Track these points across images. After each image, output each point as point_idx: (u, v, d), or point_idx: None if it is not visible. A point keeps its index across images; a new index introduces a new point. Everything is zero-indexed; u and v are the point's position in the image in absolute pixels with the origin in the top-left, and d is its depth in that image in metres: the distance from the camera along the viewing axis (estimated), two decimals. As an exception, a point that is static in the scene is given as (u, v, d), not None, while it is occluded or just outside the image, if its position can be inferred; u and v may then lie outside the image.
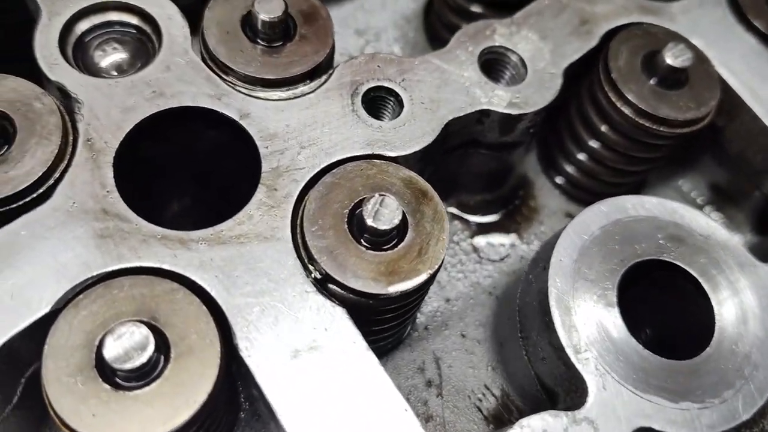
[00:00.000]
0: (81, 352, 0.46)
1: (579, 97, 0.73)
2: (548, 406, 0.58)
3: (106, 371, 0.45)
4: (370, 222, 0.52)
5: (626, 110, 0.67)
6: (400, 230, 0.53)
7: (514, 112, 0.63)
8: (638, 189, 0.80)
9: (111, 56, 0.61)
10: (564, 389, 0.56)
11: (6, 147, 0.53)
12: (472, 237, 0.74)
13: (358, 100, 0.60)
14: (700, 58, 0.69)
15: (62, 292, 0.49)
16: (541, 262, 0.59)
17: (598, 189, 0.77)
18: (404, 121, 0.60)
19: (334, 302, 0.52)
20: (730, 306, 0.57)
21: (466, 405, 0.64)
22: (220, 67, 0.60)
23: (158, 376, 0.46)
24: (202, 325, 0.48)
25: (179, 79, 0.58)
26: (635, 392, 0.52)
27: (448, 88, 0.62)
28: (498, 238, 0.75)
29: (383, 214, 0.52)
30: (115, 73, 0.61)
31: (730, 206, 0.79)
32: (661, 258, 0.59)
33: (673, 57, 0.66)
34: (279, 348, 0.49)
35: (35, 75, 0.58)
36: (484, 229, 0.75)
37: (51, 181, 0.53)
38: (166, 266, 0.50)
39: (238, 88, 0.59)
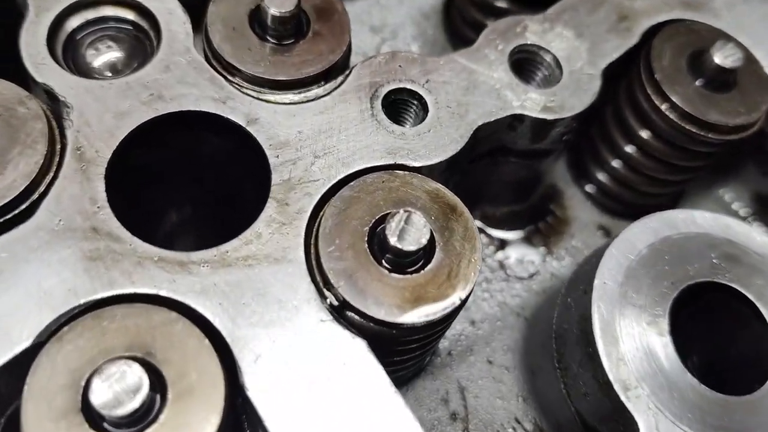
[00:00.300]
0: (65, 394, 0.40)
1: (616, 99, 0.67)
2: (589, 446, 0.52)
3: (93, 416, 0.40)
4: (393, 241, 0.46)
5: (671, 114, 0.61)
6: (427, 251, 0.48)
7: (549, 117, 0.57)
8: (676, 200, 0.74)
9: (105, 55, 0.56)
10: (609, 429, 0.50)
11: (-15, 157, 0.47)
12: (498, 252, 0.68)
13: (378, 103, 0.54)
14: (749, 59, 0.63)
15: (46, 322, 0.43)
16: (582, 284, 0.53)
17: (634, 200, 0.71)
18: (429, 126, 0.54)
19: (353, 332, 0.46)
20: (793, 333, 0.51)
21: (494, 440, 0.58)
22: (225, 68, 0.54)
23: (154, 421, 0.40)
24: (204, 361, 0.42)
25: (180, 81, 0.53)
26: (691, 433, 0.47)
27: (476, 91, 0.56)
28: (526, 254, 0.69)
29: (409, 232, 0.46)
30: (109, 74, 0.55)
31: (776, 218, 0.73)
32: (714, 280, 0.53)
33: (722, 57, 0.60)
34: (291, 387, 0.43)
35: (21, 76, 0.52)
36: (511, 243, 0.69)
37: (35, 196, 0.47)
38: (163, 293, 0.45)
39: (245, 90, 0.53)
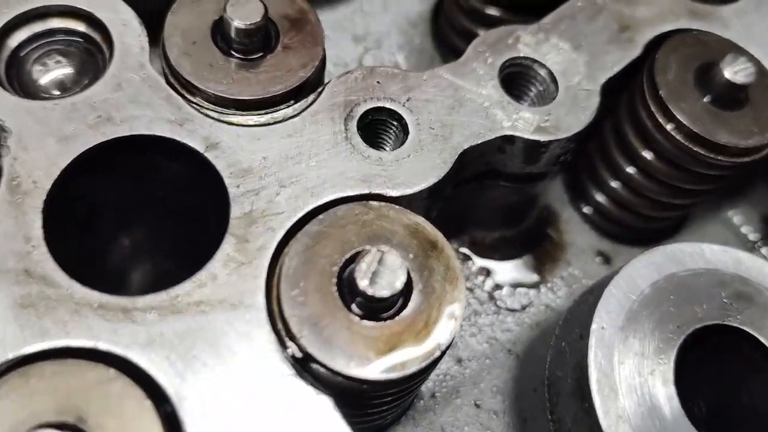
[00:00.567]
0: (-18, 469, 0.35)
1: (616, 114, 0.62)
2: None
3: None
4: (364, 286, 0.41)
5: (676, 134, 0.56)
6: (404, 294, 0.42)
7: (543, 138, 0.52)
8: (681, 223, 0.69)
9: (53, 72, 0.51)
10: (607, 490, 0.45)
11: None
12: (487, 282, 0.63)
13: (353, 125, 0.49)
14: (762, 73, 0.57)
15: (-35, 381, 0.38)
16: (577, 327, 0.48)
17: (635, 224, 0.66)
18: (409, 150, 0.49)
19: (318, 388, 0.41)
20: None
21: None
22: (183, 85, 0.49)
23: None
24: (145, 426, 0.37)
25: (132, 101, 0.47)
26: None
27: (463, 110, 0.51)
28: (518, 283, 0.64)
29: (382, 275, 0.41)
30: (58, 92, 0.50)
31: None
32: (725, 322, 0.47)
33: (733, 71, 0.55)
34: (246, 454, 0.38)
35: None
36: (501, 272, 0.64)
37: (-39, 233, 0.42)
38: (101, 345, 0.40)
39: (205, 111, 0.48)
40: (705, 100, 0.56)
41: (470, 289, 0.62)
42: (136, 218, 0.54)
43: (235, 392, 0.40)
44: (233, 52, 0.50)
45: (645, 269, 0.48)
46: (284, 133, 0.48)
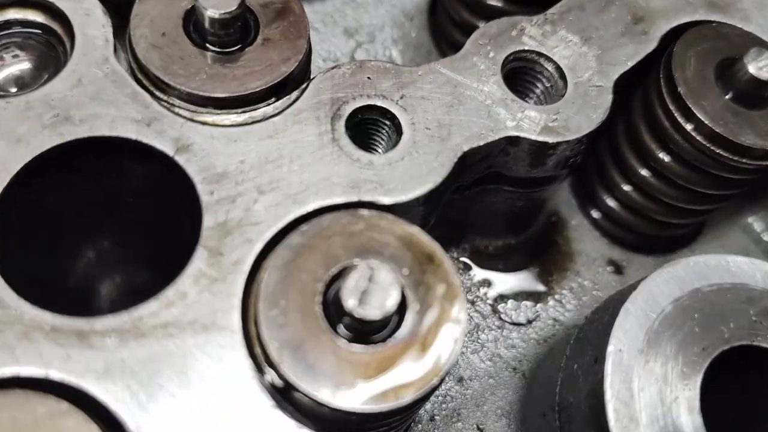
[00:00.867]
0: None
1: (629, 113, 0.57)
2: None
3: None
4: (352, 305, 0.36)
5: (696, 134, 0.51)
6: (397, 313, 0.38)
7: (550, 139, 0.47)
8: (699, 230, 0.64)
9: (10, 67, 0.47)
10: None
11: None
12: (490, 294, 0.58)
13: (341, 124, 0.45)
14: (788, 68, 0.53)
15: None
16: (590, 348, 0.43)
17: (650, 230, 0.62)
18: (403, 153, 0.45)
19: (300, 421, 0.36)
20: None
21: None
22: (152, 81, 0.45)
23: None
24: (100, 471, 0.32)
25: (94, 98, 0.43)
26: None
27: (462, 108, 0.47)
28: (523, 295, 0.59)
29: (373, 293, 0.37)
30: (14, 90, 0.45)
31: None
32: (754, 343, 0.43)
33: (757, 67, 0.50)
34: (216, 500, 0.33)
35: None
36: (505, 283, 0.60)
37: None
38: (53, 374, 0.36)
39: (176, 110, 0.44)
40: (727, 97, 0.52)
41: (471, 302, 0.58)
42: (103, 227, 0.50)
43: (207, 426, 0.35)
44: (208, 45, 0.46)
45: (666, 285, 0.43)
46: (264, 134, 0.44)
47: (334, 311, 0.38)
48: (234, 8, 0.44)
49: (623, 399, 0.40)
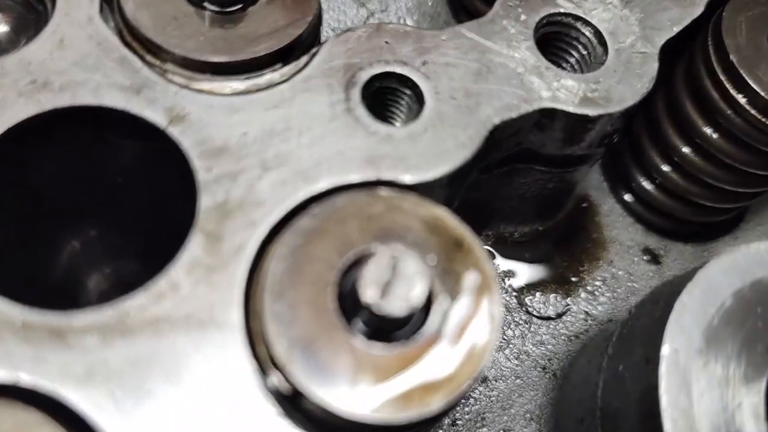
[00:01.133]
0: None
1: (671, 84, 0.53)
2: None
3: None
4: (371, 298, 0.31)
5: (750, 107, 0.47)
6: (423, 308, 0.33)
7: (591, 112, 0.43)
8: (742, 216, 0.59)
9: (-16, 29, 0.41)
10: None
11: None
12: (515, 285, 0.54)
13: (357, 93, 0.41)
14: None
15: None
16: (639, 346, 0.38)
17: (689, 216, 0.58)
18: (426, 125, 0.40)
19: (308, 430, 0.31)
20: None
21: None
22: (143, 44, 0.41)
23: None
24: (76, 492, 0.28)
25: (77, 63, 0.39)
26: None
27: (491, 76, 0.42)
28: (551, 287, 0.54)
29: (396, 285, 0.32)
30: (-11, 54, 0.40)
31: None
32: (825, 340, 0.38)
33: (819, 32, 0.45)
34: None
35: None
36: (531, 273, 0.55)
37: None
38: (23, 379, 0.31)
39: (169, 76, 0.40)
40: (782, 67, 0.47)
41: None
42: (90, 212, 0.45)
43: (201, 440, 0.30)
44: (206, 4, 0.42)
45: (724, 275, 0.38)
46: (269, 104, 0.39)
47: (349, 305, 0.33)
48: (235, -40, 0.39)
49: (681, 406, 0.35)
